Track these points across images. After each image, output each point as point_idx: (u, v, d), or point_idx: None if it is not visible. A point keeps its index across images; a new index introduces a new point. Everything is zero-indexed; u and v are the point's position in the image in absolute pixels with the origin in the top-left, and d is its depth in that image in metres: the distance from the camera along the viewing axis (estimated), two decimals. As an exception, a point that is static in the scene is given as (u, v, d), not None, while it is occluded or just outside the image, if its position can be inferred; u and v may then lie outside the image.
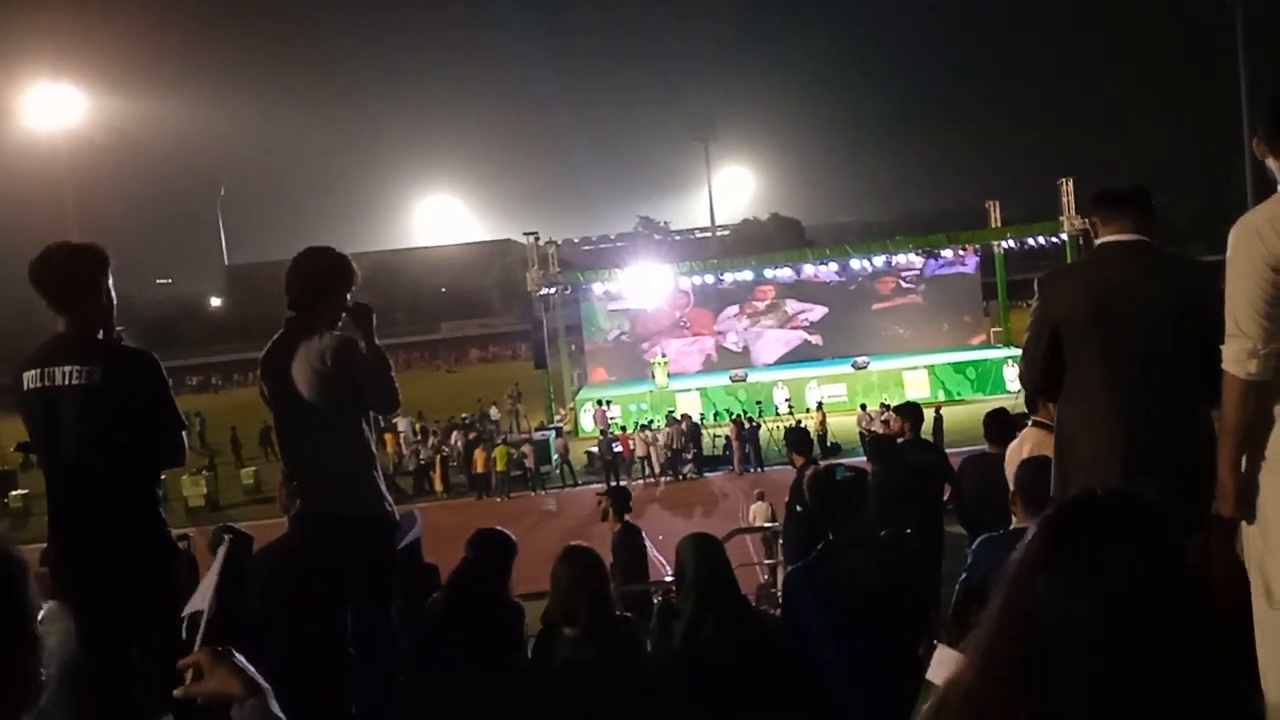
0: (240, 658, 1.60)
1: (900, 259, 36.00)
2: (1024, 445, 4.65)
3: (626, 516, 7.25)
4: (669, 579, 5.66)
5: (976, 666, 1.25)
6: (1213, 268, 3.27)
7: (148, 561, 3.25)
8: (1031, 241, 33.30)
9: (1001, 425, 6.56)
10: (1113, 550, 1.20)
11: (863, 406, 27.94)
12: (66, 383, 3.18)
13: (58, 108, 41.55)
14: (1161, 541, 1.23)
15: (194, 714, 3.40)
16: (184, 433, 3.44)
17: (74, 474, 3.24)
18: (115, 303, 3.36)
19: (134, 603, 3.18)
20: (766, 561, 10.30)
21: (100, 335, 3.30)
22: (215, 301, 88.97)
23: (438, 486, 26.48)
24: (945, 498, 7.57)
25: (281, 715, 1.56)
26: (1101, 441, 3.12)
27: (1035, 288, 3.35)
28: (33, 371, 3.24)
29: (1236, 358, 2.64)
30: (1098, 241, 3.27)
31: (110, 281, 3.35)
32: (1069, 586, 1.20)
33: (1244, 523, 2.75)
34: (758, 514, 16.52)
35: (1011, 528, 3.80)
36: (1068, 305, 3.19)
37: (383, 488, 3.63)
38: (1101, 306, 3.11)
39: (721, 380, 33.21)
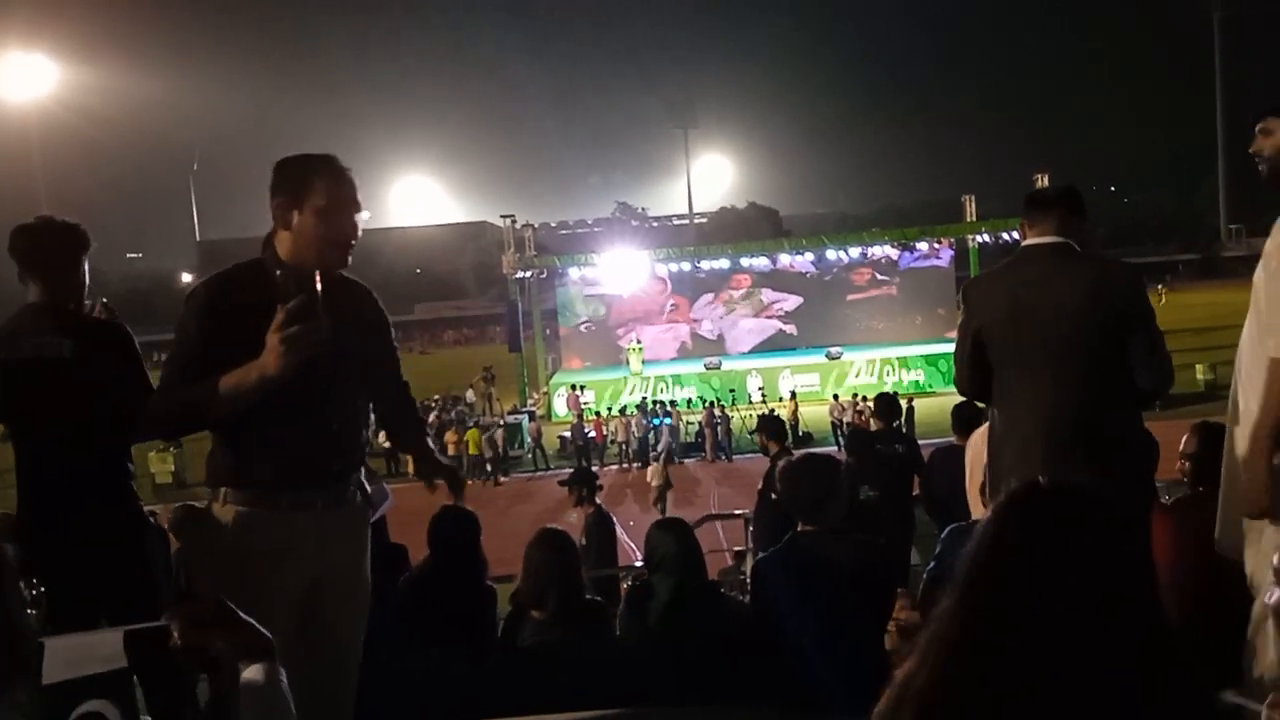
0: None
1: (876, 251, 36.13)
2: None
3: (597, 499, 7.28)
4: (638, 564, 5.67)
5: (933, 664, 1.25)
6: (1131, 268, 3.27)
7: (119, 534, 3.22)
8: (1006, 236, 33.53)
9: (969, 418, 6.60)
10: (1063, 536, 1.21)
11: (835, 397, 28.06)
12: (37, 354, 3.15)
13: (28, 78, 40.88)
14: (1107, 528, 1.24)
15: (161, 683, 3.35)
16: None
17: (44, 446, 3.20)
18: (88, 285, 3.34)
19: (104, 576, 3.15)
20: (736, 548, 10.34)
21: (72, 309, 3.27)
22: (187, 277, 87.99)
23: (408, 468, 26.34)
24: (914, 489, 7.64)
25: (288, 692, 1.44)
26: (1023, 444, 3.12)
27: (960, 294, 3.35)
28: (2, 343, 3.20)
29: None
30: (1022, 244, 3.28)
31: (87, 264, 3.33)
32: (1021, 575, 1.20)
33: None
34: (653, 475, 18.64)
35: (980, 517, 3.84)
36: (988, 310, 3.19)
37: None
38: (1015, 310, 3.11)
39: (696, 368, 33.25)
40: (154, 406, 2.44)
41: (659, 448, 25.54)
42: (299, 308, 2.20)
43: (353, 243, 2.53)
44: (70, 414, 3.15)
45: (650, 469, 18.61)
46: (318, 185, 2.44)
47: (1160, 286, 52.91)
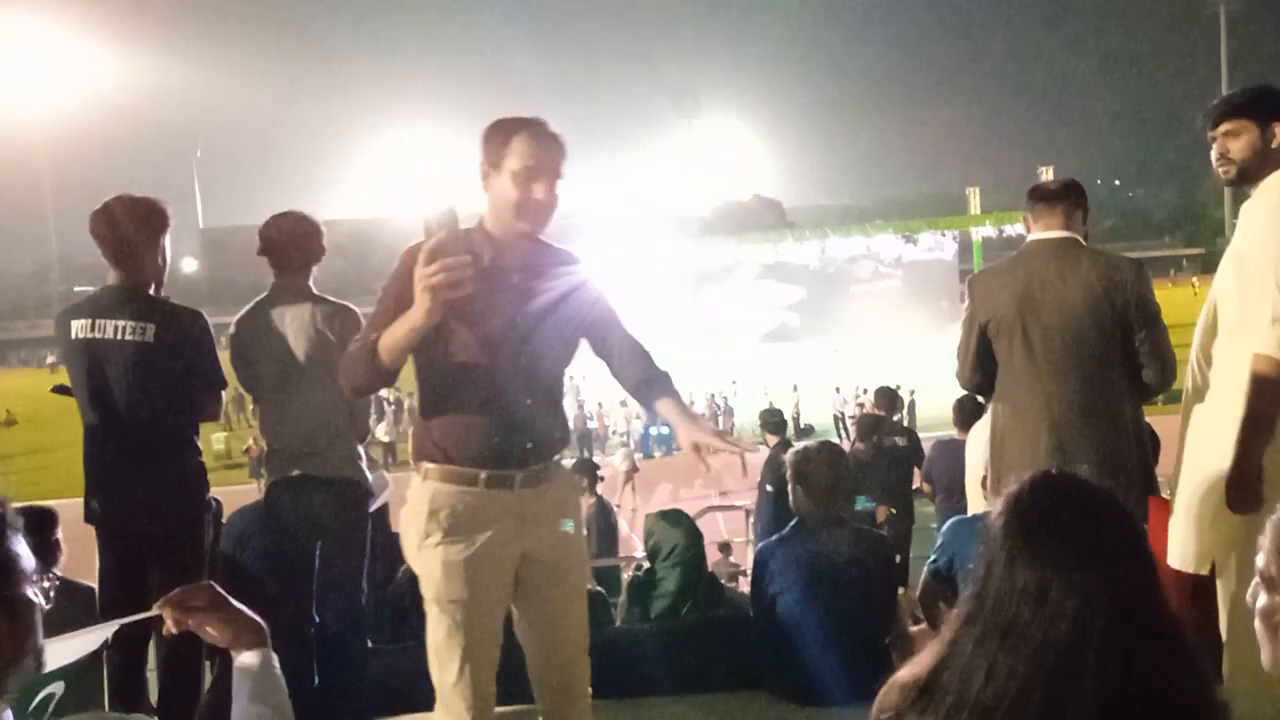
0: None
1: (879, 244, 36.10)
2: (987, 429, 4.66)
3: (599, 489, 7.28)
4: (639, 554, 5.68)
5: (946, 653, 1.25)
6: (1136, 263, 3.24)
7: (178, 518, 3.27)
8: (1010, 229, 33.43)
9: (971, 411, 6.61)
10: (1074, 529, 1.22)
11: (837, 389, 28.06)
12: (119, 337, 3.20)
13: (32, 65, 40.82)
14: (1121, 519, 1.26)
15: (173, 641, 3.36)
16: (223, 391, 3.47)
17: (120, 428, 3.24)
18: (169, 262, 3.39)
19: (160, 557, 3.19)
20: (737, 540, 10.36)
21: (151, 292, 3.32)
22: (189, 264, 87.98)
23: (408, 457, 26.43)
24: (915, 482, 7.65)
25: (282, 678, 1.45)
26: (1029, 438, 3.13)
27: (965, 287, 3.36)
28: (82, 321, 3.25)
29: None
30: (1027, 239, 3.28)
31: (167, 240, 3.38)
32: (1036, 568, 1.20)
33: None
34: (622, 459, 19.59)
35: (982, 510, 3.84)
36: (993, 304, 3.20)
37: (360, 451, 3.63)
38: (1023, 304, 3.12)
39: (699, 359, 33.25)
40: (341, 363, 2.43)
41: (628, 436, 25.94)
42: (437, 246, 2.12)
43: (547, 208, 2.41)
44: (146, 396, 3.22)
45: (619, 453, 19.30)
46: (515, 147, 2.35)
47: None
